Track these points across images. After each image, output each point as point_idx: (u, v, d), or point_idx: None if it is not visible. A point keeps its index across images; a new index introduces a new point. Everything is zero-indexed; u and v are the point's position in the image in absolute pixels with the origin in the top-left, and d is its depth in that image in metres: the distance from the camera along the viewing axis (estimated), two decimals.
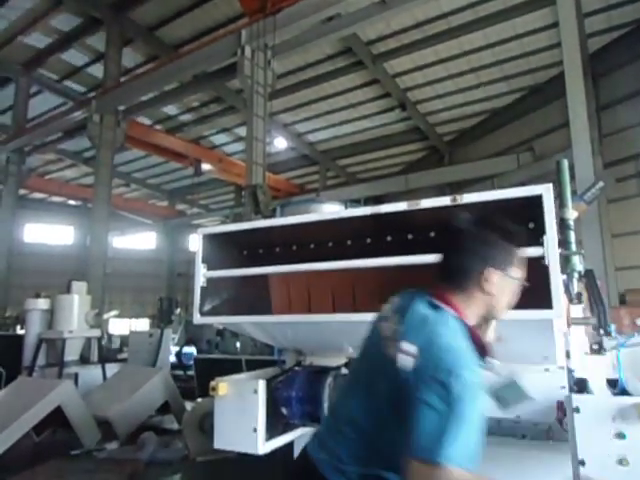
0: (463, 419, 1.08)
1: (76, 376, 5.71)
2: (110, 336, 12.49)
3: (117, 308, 8.73)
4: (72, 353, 6.22)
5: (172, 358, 8.57)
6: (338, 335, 2.44)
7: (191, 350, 9.72)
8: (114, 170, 12.45)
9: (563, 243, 2.63)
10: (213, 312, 2.67)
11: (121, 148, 12.45)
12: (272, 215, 6.95)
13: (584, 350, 2.52)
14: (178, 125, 15.24)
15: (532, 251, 1.88)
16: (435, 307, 1.28)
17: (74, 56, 12.58)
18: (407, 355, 1.18)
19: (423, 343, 1.19)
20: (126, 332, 12.14)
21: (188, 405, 4.90)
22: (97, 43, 11.89)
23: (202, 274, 2.61)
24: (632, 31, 9.96)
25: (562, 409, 2.05)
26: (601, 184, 3.74)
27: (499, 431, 2.24)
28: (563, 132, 9.03)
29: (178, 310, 15.23)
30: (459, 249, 1.34)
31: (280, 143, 15.49)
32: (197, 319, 2.62)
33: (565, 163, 2.83)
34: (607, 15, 9.72)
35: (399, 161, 16.44)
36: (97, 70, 12.54)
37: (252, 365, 4.52)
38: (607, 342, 2.58)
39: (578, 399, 1.90)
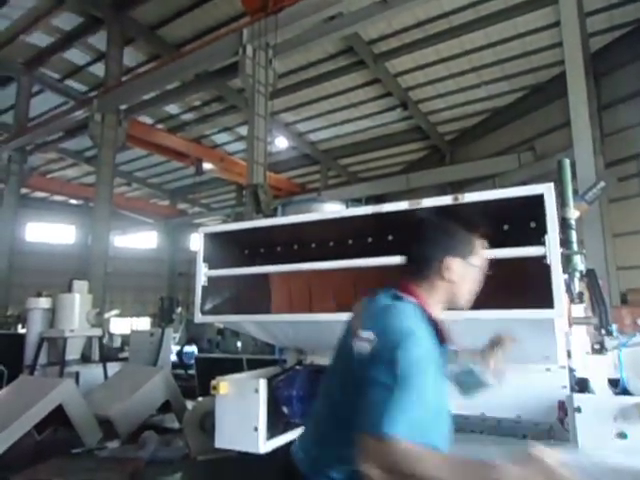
0: (409, 392, 1.09)
1: (77, 375, 5.71)
2: (111, 335, 12.50)
3: (118, 307, 8.74)
4: (73, 352, 6.23)
5: (173, 357, 8.57)
6: (339, 334, 2.44)
7: (192, 349, 9.73)
8: (115, 169, 12.46)
9: (565, 243, 2.63)
10: (214, 311, 2.68)
11: (122, 147, 12.45)
12: (273, 214, 6.95)
13: (585, 350, 2.52)
14: (179, 124, 15.24)
15: (534, 250, 1.88)
16: (397, 297, 1.31)
17: (76, 55, 12.59)
18: (364, 342, 1.21)
19: (379, 329, 1.22)
20: (127, 331, 12.14)
21: (189, 404, 4.89)
22: (99, 42, 11.89)
23: (203, 273, 2.61)
24: (633, 30, 9.94)
25: (563, 409, 2.05)
26: (602, 184, 3.75)
27: (500, 431, 2.24)
28: (564, 131, 9.02)
29: (179, 309, 15.24)
30: (420, 239, 1.38)
31: (281, 142, 15.49)
32: (198, 318, 2.63)
33: (567, 162, 2.83)
34: (609, 14, 9.70)
35: (400, 160, 16.43)
36: (99, 69, 12.54)
37: (253, 364, 4.52)
38: (608, 342, 2.58)
39: (579, 399, 1.90)
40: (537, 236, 1.89)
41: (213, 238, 2.72)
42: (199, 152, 15.16)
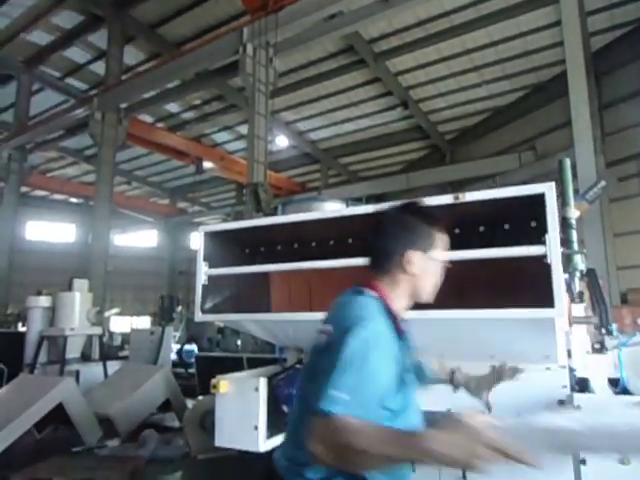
0: (351, 371, 1.13)
1: (77, 373, 5.72)
2: (111, 334, 12.53)
3: (118, 306, 8.74)
4: (73, 350, 6.23)
5: (173, 356, 8.58)
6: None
7: (192, 348, 9.73)
8: (116, 168, 12.46)
9: (565, 242, 2.63)
10: (214, 310, 2.68)
11: (123, 146, 12.44)
12: (273, 213, 6.94)
13: (586, 349, 2.52)
14: (180, 123, 15.24)
15: (534, 250, 1.88)
16: (359, 292, 1.35)
17: (76, 53, 12.58)
18: (323, 335, 1.27)
19: (336, 320, 1.27)
20: (127, 330, 12.15)
21: (189, 403, 4.90)
22: (99, 41, 11.89)
23: (204, 272, 2.61)
24: (635, 30, 9.93)
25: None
26: (603, 183, 3.74)
27: None
28: (565, 131, 9.01)
29: (179, 308, 15.26)
30: (381, 234, 1.40)
31: (282, 141, 15.48)
32: (199, 317, 2.63)
33: (567, 162, 2.83)
34: (610, 14, 9.69)
35: (401, 159, 16.42)
36: (99, 68, 12.53)
37: (253, 363, 4.52)
38: (609, 341, 2.58)
39: (579, 398, 1.90)
40: (538, 235, 1.89)
41: (213, 237, 2.72)
42: (199, 151, 15.16)
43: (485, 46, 10.72)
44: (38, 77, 13.54)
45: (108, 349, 8.66)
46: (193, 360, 6.83)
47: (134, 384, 4.88)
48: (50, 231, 21.74)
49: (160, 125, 15.04)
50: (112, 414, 4.51)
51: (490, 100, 12.78)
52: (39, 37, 12.10)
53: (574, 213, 2.72)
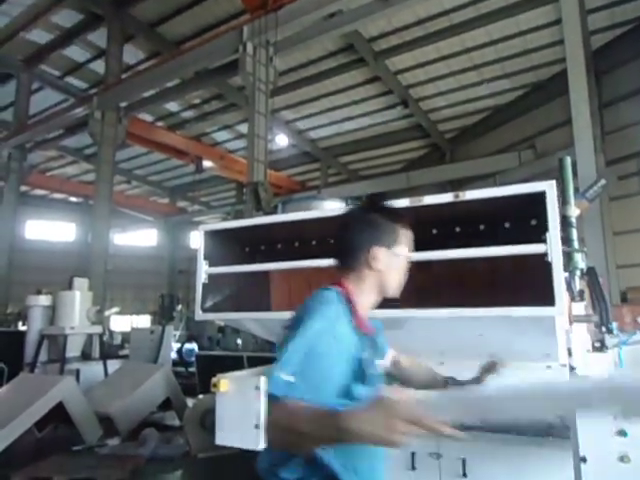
0: (300, 352, 1.16)
1: (78, 372, 5.73)
2: (111, 333, 12.52)
3: (118, 305, 8.76)
4: (74, 349, 6.24)
5: (173, 355, 8.59)
6: None
7: (192, 347, 9.74)
8: (115, 167, 12.45)
9: (565, 240, 2.62)
10: (215, 308, 2.68)
11: (122, 145, 12.45)
12: (274, 212, 6.95)
13: (586, 348, 2.51)
14: (180, 122, 15.22)
15: (535, 248, 1.88)
16: (324, 289, 1.37)
17: (76, 52, 12.57)
18: (286, 329, 1.30)
19: (296, 312, 1.32)
20: (127, 329, 12.16)
21: (189, 402, 4.90)
22: (98, 39, 11.88)
23: (204, 270, 2.61)
24: (635, 28, 9.92)
25: None
26: (603, 182, 3.73)
27: (500, 427, 2.24)
28: (565, 129, 9.00)
29: (179, 307, 15.28)
30: (347, 232, 1.42)
31: (281, 140, 15.47)
32: (199, 315, 2.63)
33: (568, 160, 2.82)
34: (610, 12, 9.68)
35: (401, 158, 16.41)
36: (99, 66, 12.52)
37: (254, 362, 4.53)
38: (609, 340, 2.57)
39: None
40: (538, 234, 1.89)
41: (213, 236, 2.72)
42: (199, 150, 15.15)
43: (485, 45, 10.70)
44: (38, 76, 13.52)
45: (108, 348, 8.66)
46: (193, 359, 6.85)
47: (134, 383, 4.88)
48: (50, 230, 21.73)
49: (160, 124, 15.03)
50: (112, 413, 4.51)
51: (490, 99, 12.77)
52: (39, 36, 12.09)
53: (574, 211, 2.71)
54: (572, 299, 2.52)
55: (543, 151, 11.16)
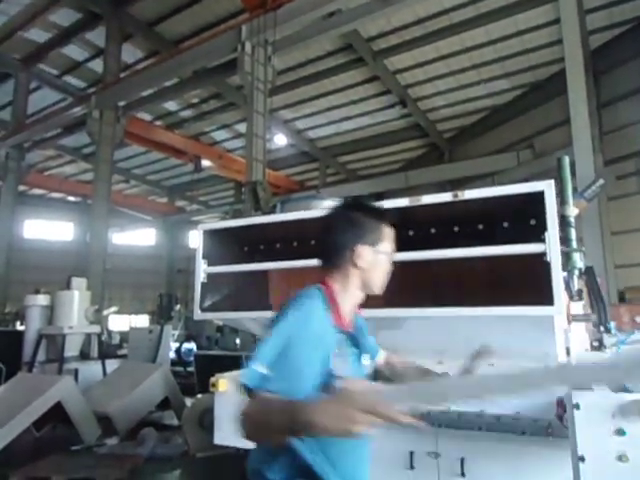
0: (276, 345, 1.18)
1: (76, 372, 5.72)
2: (110, 332, 12.51)
3: (117, 304, 8.76)
4: (72, 349, 6.23)
5: (172, 354, 8.58)
6: None
7: (191, 346, 9.74)
8: (114, 166, 12.42)
9: (564, 240, 2.63)
10: (213, 308, 2.68)
11: (121, 144, 12.42)
12: (272, 212, 6.94)
13: (584, 347, 2.52)
14: (178, 121, 15.20)
15: (534, 247, 1.88)
16: (308, 287, 1.38)
17: (74, 51, 12.53)
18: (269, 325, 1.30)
19: (281, 311, 1.31)
20: (126, 328, 12.16)
21: (188, 401, 4.90)
22: (97, 38, 11.84)
23: (202, 270, 2.61)
24: (633, 28, 9.93)
25: (562, 405, 2.05)
26: (601, 181, 3.74)
27: (499, 427, 2.24)
28: (564, 129, 9.01)
29: (178, 306, 15.26)
30: (331, 231, 1.44)
31: (280, 140, 15.46)
32: (197, 315, 2.63)
33: (566, 160, 2.83)
34: (608, 12, 9.69)
35: (399, 158, 16.42)
36: (97, 65, 12.49)
37: None
38: (607, 339, 2.58)
39: (578, 395, 1.90)
40: (537, 233, 1.89)
41: (212, 235, 2.72)
42: (197, 149, 15.13)
43: (484, 44, 10.70)
44: (36, 75, 13.49)
45: (107, 347, 8.65)
46: (192, 358, 6.85)
47: (133, 382, 4.88)
48: (48, 229, 21.68)
49: (158, 123, 15.00)
50: (111, 412, 4.51)
51: (488, 98, 12.77)
52: (37, 35, 12.05)
53: (573, 211, 2.72)
54: (570, 298, 2.52)
55: (541, 151, 11.18)
